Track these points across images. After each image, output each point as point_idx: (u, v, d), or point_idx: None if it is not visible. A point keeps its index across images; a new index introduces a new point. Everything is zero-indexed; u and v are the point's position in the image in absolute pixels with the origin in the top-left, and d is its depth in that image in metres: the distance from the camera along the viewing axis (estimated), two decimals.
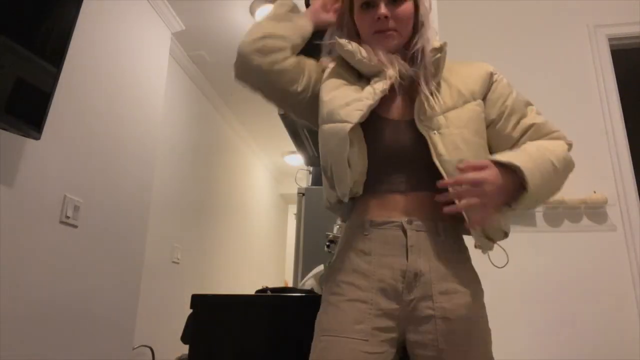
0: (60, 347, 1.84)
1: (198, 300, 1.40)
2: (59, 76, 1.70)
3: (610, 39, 2.42)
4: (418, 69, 1.01)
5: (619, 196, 2.18)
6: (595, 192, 2.18)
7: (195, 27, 3.04)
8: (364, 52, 1.02)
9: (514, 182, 0.90)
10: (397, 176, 0.99)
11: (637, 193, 2.18)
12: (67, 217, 1.89)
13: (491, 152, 1.02)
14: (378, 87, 0.98)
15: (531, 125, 1.02)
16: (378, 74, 1.01)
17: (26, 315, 1.68)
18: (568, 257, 2.14)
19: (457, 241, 1.02)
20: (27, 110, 1.60)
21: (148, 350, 2.69)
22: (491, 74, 1.08)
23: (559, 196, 2.15)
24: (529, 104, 1.06)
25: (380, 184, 1.00)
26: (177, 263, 3.22)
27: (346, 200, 1.01)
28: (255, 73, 1.02)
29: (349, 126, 0.94)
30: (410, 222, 0.96)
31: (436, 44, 1.02)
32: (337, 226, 1.77)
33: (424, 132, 0.97)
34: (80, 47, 1.99)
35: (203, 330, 1.35)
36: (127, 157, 2.38)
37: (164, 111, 2.89)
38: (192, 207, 3.51)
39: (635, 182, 2.20)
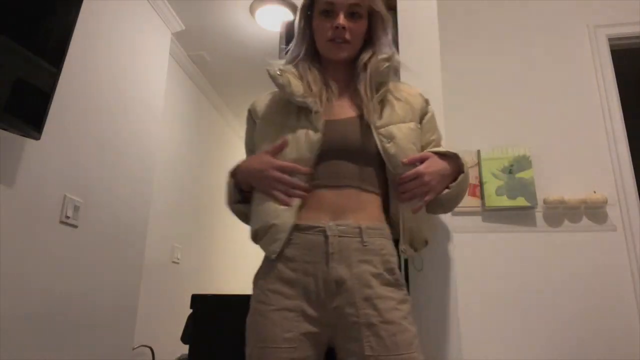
0: (60, 347, 1.84)
1: (198, 300, 1.40)
2: (59, 76, 1.70)
3: (610, 39, 2.42)
4: (363, 79, 1.08)
5: (619, 196, 2.18)
6: (595, 192, 2.18)
7: (195, 27, 3.04)
8: (294, 87, 1.06)
9: (452, 166, 1.05)
10: (330, 171, 1.02)
11: (637, 193, 2.18)
12: (67, 217, 1.89)
13: None
14: (314, 148, 1.02)
15: None
16: (302, 104, 1.06)
17: (26, 315, 1.68)
18: (568, 257, 2.14)
19: (382, 245, 1.03)
20: (27, 110, 1.60)
21: (148, 350, 2.69)
22: (427, 102, 1.17)
23: (558, 196, 2.15)
24: (441, 137, 1.20)
25: (312, 180, 1.03)
26: (177, 263, 3.22)
27: (273, 257, 1.02)
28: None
29: (298, 201, 1.00)
30: (334, 227, 0.98)
31: (385, 55, 1.09)
32: None
33: (378, 140, 1.03)
34: (80, 47, 1.99)
35: (203, 330, 1.35)
36: (127, 157, 2.38)
37: (164, 111, 2.88)
38: (192, 207, 3.51)
39: (635, 182, 2.20)
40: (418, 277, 1.38)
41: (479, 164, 2.29)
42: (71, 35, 1.75)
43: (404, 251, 1.04)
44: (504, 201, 2.20)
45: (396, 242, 1.08)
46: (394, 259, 1.03)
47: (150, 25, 2.70)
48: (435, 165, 1.03)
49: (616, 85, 2.34)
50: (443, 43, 1.59)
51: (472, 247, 2.20)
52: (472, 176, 2.28)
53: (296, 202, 1.01)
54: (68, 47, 1.74)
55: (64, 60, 1.71)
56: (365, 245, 0.99)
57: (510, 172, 2.24)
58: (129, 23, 2.46)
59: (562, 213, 2.21)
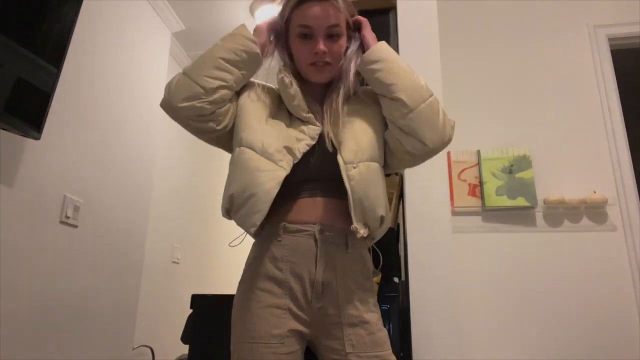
0: (60, 347, 1.84)
1: (198, 300, 1.40)
2: (59, 76, 1.70)
3: (610, 39, 2.42)
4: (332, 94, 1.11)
5: (619, 196, 2.18)
6: (595, 192, 2.18)
7: (195, 27, 3.04)
8: (300, 102, 1.07)
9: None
10: (316, 186, 1.06)
11: (637, 193, 2.18)
12: (67, 217, 1.89)
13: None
14: (301, 147, 1.05)
15: None
16: (304, 119, 1.08)
17: (26, 315, 1.68)
18: (568, 257, 2.14)
19: (362, 254, 1.09)
20: (27, 110, 1.60)
21: (148, 350, 2.69)
22: None
23: (558, 196, 2.15)
24: None
25: (297, 192, 1.06)
26: (177, 263, 3.22)
27: (252, 232, 1.05)
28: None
29: (283, 174, 1.01)
30: (322, 232, 1.02)
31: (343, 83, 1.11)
32: None
33: (345, 175, 1.05)
34: (80, 47, 1.99)
35: (203, 330, 1.35)
36: (127, 157, 2.38)
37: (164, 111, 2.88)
38: (192, 207, 3.51)
39: (635, 182, 2.20)
40: (418, 277, 1.38)
41: (479, 164, 2.29)
42: (71, 35, 1.75)
43: (355, 229, 1.02)
44: (504, 201, 2.20)
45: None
46: (371, 268, 1.11)
47: (150, 25, 2.70)
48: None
49: (616, 85, 2.34)
50: (443, 43, 1.59)
51: (472, 247, 2.21)
52: (472, 176, 2.29)
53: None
54: (68, 47, 1.74)
55: (64, 60, 1.71)
56: (349, 253, 1.05)
57: (510, 172, 2.24)
58: (129, 23, 2.46)
59: (562, 213, 2.21)
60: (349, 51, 1.11)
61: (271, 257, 1.03)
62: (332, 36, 1.07)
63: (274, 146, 1.03)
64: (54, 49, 1.68)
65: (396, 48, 1.63)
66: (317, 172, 1.07)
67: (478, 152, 2.31)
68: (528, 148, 2.27)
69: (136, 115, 2.49)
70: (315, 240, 1.02)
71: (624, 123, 2.29)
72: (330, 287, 1.01)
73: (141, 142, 2.53)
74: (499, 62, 2.48)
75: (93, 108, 2.11)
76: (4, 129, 1.55)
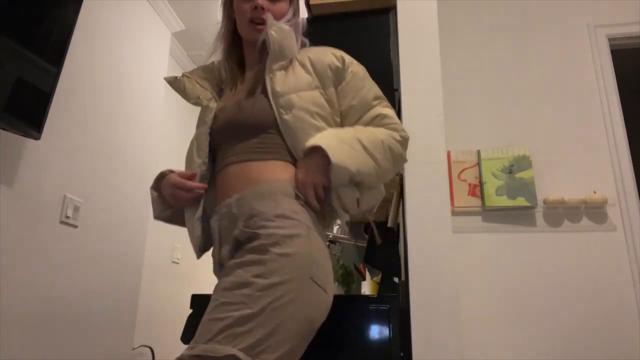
0: (60, 347, 1.83)
1: (198, 300, 1.40)
2: (59, 76, 1.70)
3: (610, 39, 2.42)
4: (268, 53, 1.08)
5: (619, 196, 2.18)
6: (595, 192, 2.18)
7: (195, 27, 3.04)
8: (188, 91, 1.21)
9: (325, 159, 0.94)
10: (232, 149, 1.06)
11: (637, 193, 2.18)
12: (67, 217, 1.89)
13: None
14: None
15: (376, 116, 1.06)
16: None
17: (26, 315, 1.68)
18: (568, 257, 2.14)
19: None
20: (27, 110, 1.60)
21: (148, 350, 2.69)
22: (343, 63, 1.10)
23: (558, 196, 2.15)
24: (377, 97, 1.09)
25: (221, 160, 1.10)
26: (177, 263, 3.22)
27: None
28: None
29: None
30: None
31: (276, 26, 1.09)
32: (337, 226, 1.77)
33: (276, 111, 1.02)
34: (80, 47, 1.99)
35: None
36: (127, 157, 2.38)
37: (164, 111, 2.88)
38: None
39: (635, 182, 2.20)
40: (418, 277, 1.38)
41: (479, 164, 2.29)
42: (71, 35, 1.75)
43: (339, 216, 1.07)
44: (504, 201, 2.20)
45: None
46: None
47: (150, 25, 2.70)
48: (306, 166, 0.98)
49: (616, 85, 2.34)
50: (443, 43, 1.59)
51: (472, 247, 2.20)
52: (472, 176, 2.29)
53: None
54: (68, 47, 1.74)
55: (64, 60, 1.71)
56: None
57: (510, 172, 2.24)
58: (129, 23, 2.46)
59: (562, 213, 2.21)
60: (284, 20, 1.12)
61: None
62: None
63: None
64: (54, 49, 1.68)
65: (396, 48, 1.63)
66: (238, 126, 1.08)
67: (478, 152, 2.31)
68: (528, 148, 2.27)
69: (136, 115, 2.49)
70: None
71: (624, 123, 2.29)
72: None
73: (141, 142, 2.53)
74: (499, 62, 2.48)
75: (93, 108, 2.11)
76: (4, 129, 1.55)
